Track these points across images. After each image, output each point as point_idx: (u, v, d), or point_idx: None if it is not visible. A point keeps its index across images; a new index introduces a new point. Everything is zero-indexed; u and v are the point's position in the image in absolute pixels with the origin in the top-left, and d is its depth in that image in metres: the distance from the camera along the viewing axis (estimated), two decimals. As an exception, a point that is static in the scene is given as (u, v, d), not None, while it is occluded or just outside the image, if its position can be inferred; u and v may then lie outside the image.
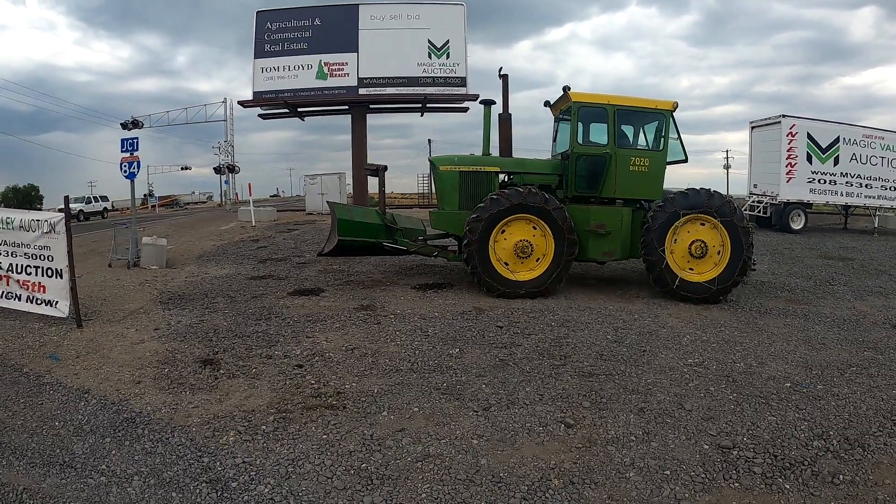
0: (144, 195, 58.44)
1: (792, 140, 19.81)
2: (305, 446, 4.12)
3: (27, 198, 52.92)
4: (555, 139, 10.48)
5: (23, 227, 7.15)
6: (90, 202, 40.11)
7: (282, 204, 46.32)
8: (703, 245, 8.70)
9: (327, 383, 5.31)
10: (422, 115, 24.29)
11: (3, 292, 7.40)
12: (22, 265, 7.23)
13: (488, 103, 9.96)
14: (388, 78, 21.06)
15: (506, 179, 9.95)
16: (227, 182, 40.61)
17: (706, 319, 7.77)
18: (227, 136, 37.13)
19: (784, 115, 20.16)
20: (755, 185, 21.64)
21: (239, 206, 30.60)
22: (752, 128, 21.92)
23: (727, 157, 63.48)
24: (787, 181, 19.88)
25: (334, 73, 20.95)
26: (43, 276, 7.12)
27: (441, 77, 21.34)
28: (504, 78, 11.88)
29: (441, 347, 6.30)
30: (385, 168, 10.31)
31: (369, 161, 24.16)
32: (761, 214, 20.59)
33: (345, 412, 4.68)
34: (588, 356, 6.05)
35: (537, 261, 8.88)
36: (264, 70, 20.86)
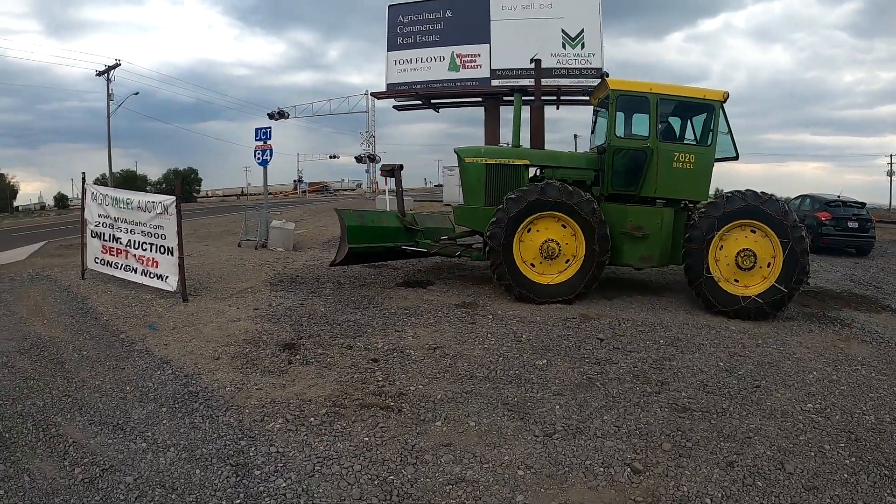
0: (294, 181, 64.61)
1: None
2: (343, 446, 4.03)
3: (185, 179, 61.26)
4: (593, 131, 9.84)
5: (140, 207, 8.13)
6: None
7: (426, 194, 47.39)
8: (752, 255, 7.91)
9: (393, 382, 5.20)
10: (557, 108, 23.64)
11: (122, 265, 8.50)
12: (139, 241, 8.25)
13: (520, 91, 9.20)
14: (521, 69, 20.70)
15: (537, 173, 9.29)
16: (367, 171, 43.00)
17: (842, 353, 6.44)
18: (368, 126, 39.27)
19: None
20: None
21: (377, 194, 32.19)
22: None
23: (891, 163, 57.53)
24: None
25: (466, 64, 21.15)
26: (156, 252, 8.03)
27: (576, 68, 20.54)
28: (537, 63, 10.95)
29: (528, 356, 5.90)
30: (401, 167, 10.15)
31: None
32: None
33: (398, 416, 4.52)
34: (689, 385, 5.25)
35: (567, 262, 8.23)
36: (397, 62, 21.70)
